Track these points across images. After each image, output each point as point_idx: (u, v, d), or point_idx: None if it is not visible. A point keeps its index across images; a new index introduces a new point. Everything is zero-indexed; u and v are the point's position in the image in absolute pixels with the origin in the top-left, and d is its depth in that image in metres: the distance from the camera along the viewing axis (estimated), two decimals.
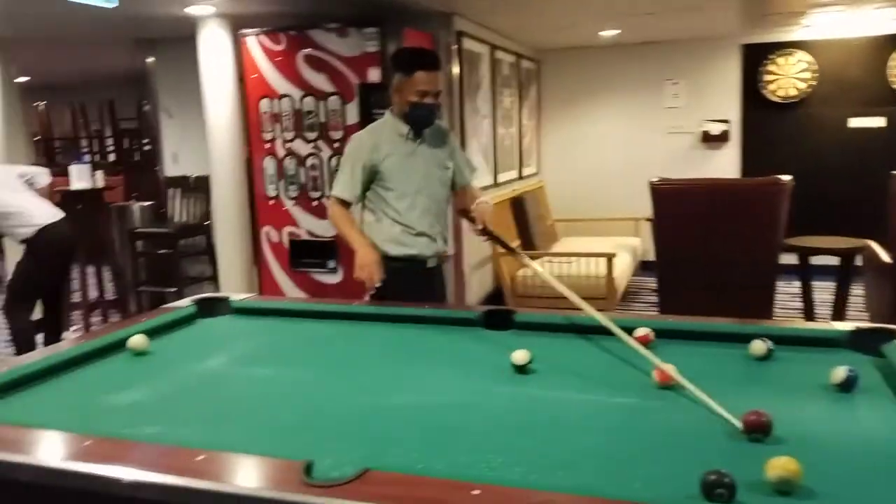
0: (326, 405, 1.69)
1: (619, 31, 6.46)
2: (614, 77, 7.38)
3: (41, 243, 4.34)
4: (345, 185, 2.80)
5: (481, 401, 1.68)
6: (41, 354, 2.05)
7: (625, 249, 6.20)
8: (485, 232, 2.73)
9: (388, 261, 2.75)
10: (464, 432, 1.50)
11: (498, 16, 5.56)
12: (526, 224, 6.21)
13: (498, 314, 2.28)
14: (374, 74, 4.58)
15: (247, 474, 1.27)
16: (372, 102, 4.58)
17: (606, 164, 7.43)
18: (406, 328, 2.30)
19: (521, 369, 1.82)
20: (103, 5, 4.13)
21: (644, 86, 7.29)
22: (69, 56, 7.42)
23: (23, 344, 4.55)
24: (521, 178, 7.00)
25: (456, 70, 5.23)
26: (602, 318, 2.06)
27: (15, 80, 6.00)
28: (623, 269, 5.78)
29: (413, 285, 2.74)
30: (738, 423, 1.43)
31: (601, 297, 5.25)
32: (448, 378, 1.85)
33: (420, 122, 2.78)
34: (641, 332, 2.00)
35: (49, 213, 4.41)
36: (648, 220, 5.94)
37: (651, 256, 4.57)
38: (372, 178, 2.80)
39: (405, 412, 1.62)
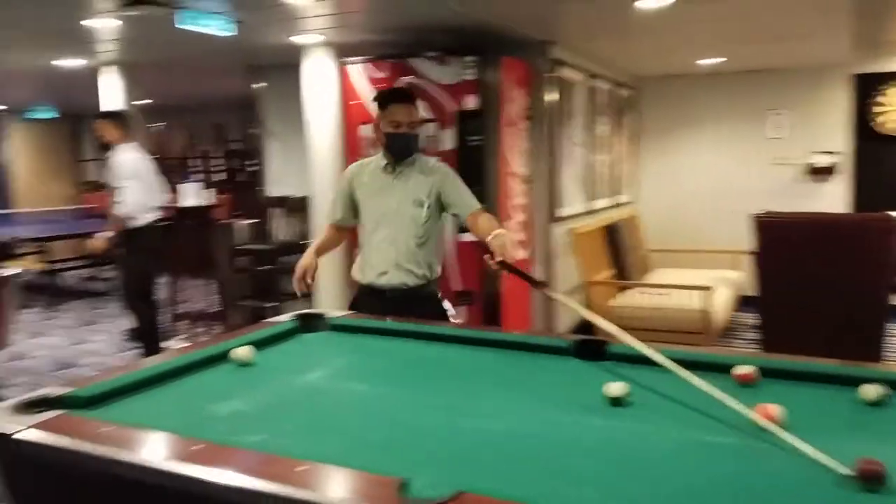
0: (419, 424, 1.72)
1: (721, 60, 6.31)
2: (715, 106, 7.21)
3: (139, 235, 4.94)
4: (330, 208, 3.15)
5: (575, 431, 1.67)
6: (153, 362, 2.17)
7: (724, 283, 6.00)
8: (504, 266, 2.59)
9: (359, 287, 3.02)
10: (557, 462, 1.48)
11: (596, 44, 5.56)
12: (619, 253, 6.12)
13: (591, 344, 2.25)
14: (471, 102, 4.65)
15: (345, 488, 1.30)
16: (469, 129, 4.66)
17: (705, 195, 7.24)
18: (498, 353, 2.30)
19: (616, 402, 1.80)
20: (222, 34, 4.40)
21: (747, 115, 7.08)
22: (185, 81, 7.90)
23: (149, 338, 5.01)
24: (615, 206, 6.91)
25: (551, 97, 5.24)
26: (663, 359, 1.95)
27: (137, 103, 6.44)
28: (722, 303, 5.60)
29: (376, 312, 2.80)
30: (848, 471, 1.36)
31: (697, 331, 5.10)
32: (541, 406, 1.84)
33: (397, 151, 2.92)
34: (744, 370, 1.93)
35: (155, 215, 5.06)
36: (750, 253, 5.74)
37: (752, 291, 4.40)
38: (355, 206, 3.04)
39: (497, 437, 1.63)
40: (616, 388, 1.80)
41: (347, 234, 3.19)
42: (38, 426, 1.57)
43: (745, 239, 4.30)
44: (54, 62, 6.03)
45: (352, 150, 5.11)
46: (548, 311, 5.33)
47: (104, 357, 5.79)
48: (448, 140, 4.72)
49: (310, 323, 2.61)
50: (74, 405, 1.73)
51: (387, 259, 2.91)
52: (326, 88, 5.34)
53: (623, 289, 5.78)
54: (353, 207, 3.04)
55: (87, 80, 6.70)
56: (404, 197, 2.92)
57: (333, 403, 1.90)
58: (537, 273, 5.31)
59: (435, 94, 4.74)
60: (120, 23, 4.52)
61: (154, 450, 1.50)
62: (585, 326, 5.68)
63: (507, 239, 2.64)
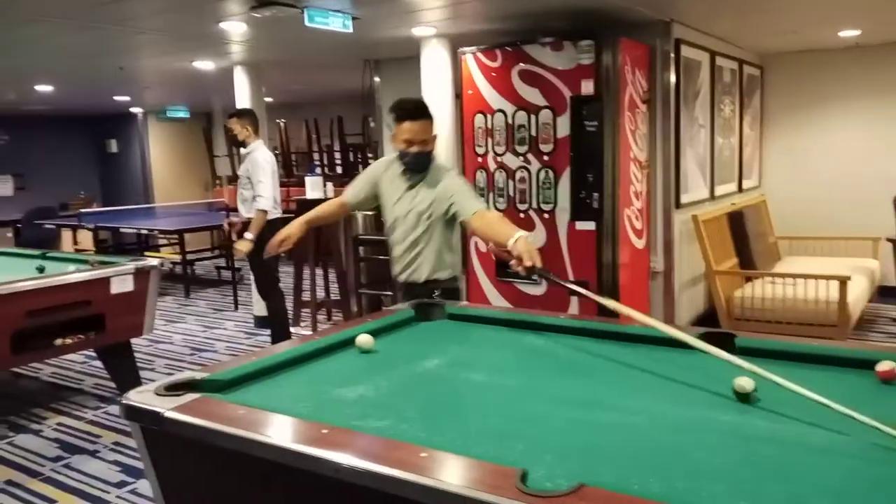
0: (537, 415, 1.71)
1: (859, 32, 5.86)
2: (850, 82, 6.71)
3: (269, 228, 5.04)
4: (351, 187, 3.35)
5: (700, 426, 1.61)
6: (282, 348, 2.28)
7: (860, 272, 5.59)
8: (533, 271, 2.47)
9: None
10: (681, 457, 1.44)
11: (720, 21, 5.30)
12: (745, 241, 5.83)
13: (716, 337, 2.16)
14: (587, 87, 4.56)
15: (465, 476, 1.32)
16: (584, 115, 4.57)
17: (839, 178, 6.77)
18: (617, 345, 2.26)
19: (744, 397, 1.72)
20: (343, 31, 4.53)
21: (886, 91, 6.55)
22: (305, 78, 8.21)
23: (278, 325, 5.26)
24: (740, 191, 6.59)
25: (672, 79, 5.06)
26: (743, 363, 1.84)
27: (263, 100, 6.76)
28: (858, 294, 5.22)
29: (396, 293, 3.23)
30: None
31: (831, 324, 4.79)
32: (663, 399, 1.79)
33: (407, 167, 3.05)
34: (885, 366, 1.80)
35: (279, 209, 5.34)
36: (890, 240, 5.33)
37: (892, 281, 4.08)
38: (375, 197, 3.23)
39: (617, 430, 1.60)
40: (744, 382, 1.72)
41: (348, 212, 3.45)
42: (180, 408, 1.69)
43: (884, 225, 3.99)
44: (190, 64, 6.43)
45: (467, 139, 5.14)
46: (667, 303, 5.17)
47: (235, 342, 6.14)
48: (563, 126, 4.65)
49: (427, 312, 2.66)
50: (212, 388, 1.85)
51: (396, 255, 3.17)
52: (442, 79, 5.39)
53: (750, 278, 5.51)
54: (372, 198, 3.25)
55: (217, 80, 7.10)
56: (411, 207, 3.06)
57: (452, 392, 1.92)
58: (658, 263, 5.16)
59: (550, 80, 4.68)
60: (246, 26, 4.75)
61: (287, 433, 1.58)
62: (708, 318, 5.48)
63: (530, 241, 2.55)
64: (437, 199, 3.00)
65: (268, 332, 5.75)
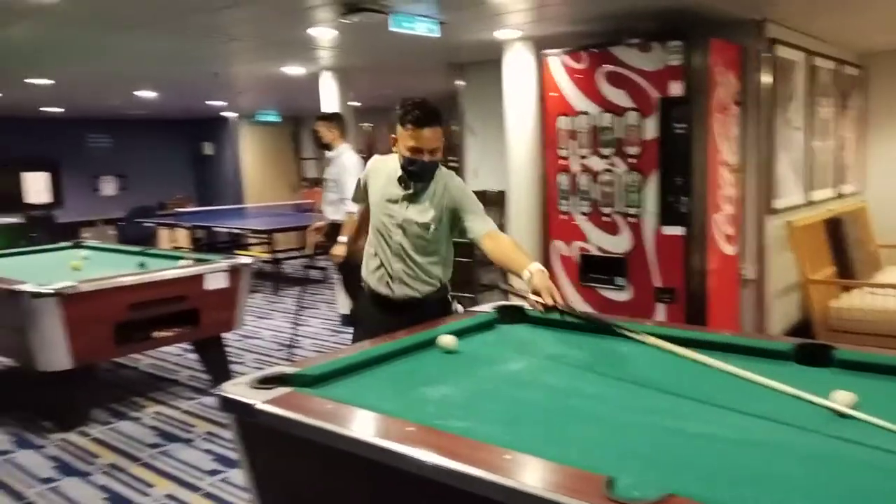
0: (624, 423, 1.69)
1: None
2: None
3: None
4: (354, 193, 3.12)
5: (794, 442, 1.55)
6: (365, 346, 2.33)
7: None
8: (554, 309, 2.30)
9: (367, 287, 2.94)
10: (775, 472, 1.39)
11: (818, 19, 5.07)
12: (843, 248, 5.56)
13: (813, 348, 2.07)
14: (675, 88, 4.45)
15: (549, 479, 1.32)
16: (673, 116, 4.47)
17: None
18: (706, 353, 2.19)
19: (842, 414, 1.64)
20: (428, 35, 4.60)
21: None
22: (390, 82, 8.34)
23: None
24: (839, 196, 6.29)
25: (766, 80, 4.88)
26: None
27: (350, 104, 6.93)
28: None
29: (370, 311, 2.90)
30: None
31: None
32: (757, 412, 1.72)
33: (410, 175, 2.74)
34: None
35: None
36: None
37: None
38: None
39: (707, 442, 1.56)
40: (843, 397, 1.65)
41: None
42: (272, 401, 1.75)
43: None
44: (280, 70, 6.65)
45: (550, 142, 5.11)
46: (758, 312, 4.98)
47: (320, 339, 6.30)
48: (650, 128, 4.55)
49: (510, 315, 2.66)
50: (302, 383, 1.91)
51: (392, 270, 2.81)
52: (525, 81, 5.39)
53: (848, 288, 5.24)
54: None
55: (306, 85, 7.31)
56: (411, 217, 2.75)
57: (535, 395, 1.92)
58: (749, 270, 4.98)
59: (637, 82, 4.59)
60: (336, 32, 4.88)
61: (372, 428, 1.61)
62: (802, 329, 5.25)
63: (546, 276, 2.38)
64: (444, 210, 2.75)
65: (352, 329, 5.85)
